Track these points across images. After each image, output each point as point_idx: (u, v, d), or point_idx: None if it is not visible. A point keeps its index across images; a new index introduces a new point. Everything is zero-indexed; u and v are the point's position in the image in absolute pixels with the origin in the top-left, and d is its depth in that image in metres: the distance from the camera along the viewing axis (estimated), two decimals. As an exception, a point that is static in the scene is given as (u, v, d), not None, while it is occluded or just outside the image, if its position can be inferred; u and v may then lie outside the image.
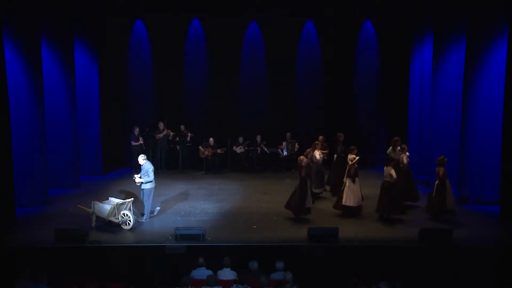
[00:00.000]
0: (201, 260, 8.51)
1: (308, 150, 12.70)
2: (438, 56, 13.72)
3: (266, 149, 16.68)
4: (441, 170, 10.99)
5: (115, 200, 10.99)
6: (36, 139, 12.24)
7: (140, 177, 11.17)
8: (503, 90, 11.32)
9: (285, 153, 16.44)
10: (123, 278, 8.92)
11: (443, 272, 9.33)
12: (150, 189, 11.21)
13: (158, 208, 11.76)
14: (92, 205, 10.83)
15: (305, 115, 17.35)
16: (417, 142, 15.41)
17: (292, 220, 11.23)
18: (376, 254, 9.64)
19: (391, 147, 12.67)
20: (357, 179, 11.54)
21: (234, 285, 7.85)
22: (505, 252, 9.50)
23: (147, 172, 11.12)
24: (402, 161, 12.06)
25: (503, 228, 10.82)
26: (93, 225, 10.71)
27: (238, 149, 16.57)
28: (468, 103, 12.37)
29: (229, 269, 8.41)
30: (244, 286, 7.81)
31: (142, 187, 11.19)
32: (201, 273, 8.31)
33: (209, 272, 8.26)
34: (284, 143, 16.40)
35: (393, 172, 11.05)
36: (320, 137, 13.94)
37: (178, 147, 16.29)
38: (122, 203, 10.82)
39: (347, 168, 11.68)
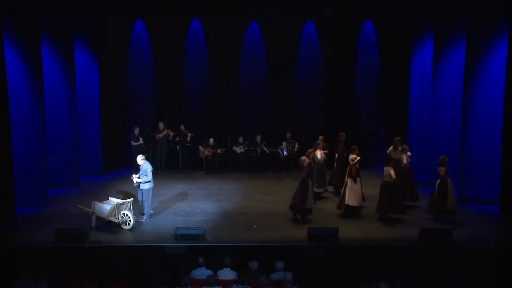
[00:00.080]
0: (201, 260, 8.51)
1: (309, 150, 12.70)
2: (438, 56, 13.72)
3: (266, 149, 16.68)
4: (442, 170, 10.99)
5: (115, 200, 10.99)
6: (36, 139, 12.24)
7: (138, 177, 11.16)
8: (503, 90, 11.31)
9: (285, 153, 16.45)
10: (123, 278, 8.92)
11: (443, 272, 9.33)
12: (149, 189, 11.21)
13: (151, 211, 11.68)
14: (92, 205, 10.83)
15: (305, 115, 17.35)
16: (417, 142, 15.41)
17: (292, 220, 11.23)
18: (376, 254, 9.64)
19: (391, 147, 12.66)
20: (358, 179, 11.54)
21: (234, 285, 7.85)
22: (505, 252, 9.50)
23: (145, 172, 11.12)
24: (402, 161, 12.06)
25: (503, 228, 10.82)
26: (93, 225, 10.71)
27: (238, 149, 16.57)
28: (468, 103, 12.37)
29: (229, 269, 8.41)
30: (244, 286, 7.81)
31: (140, 187, 11.19)
32: (201, 273, 8.31)
33: (209, 272, 8.26)
34: (284, 143, 16.41)
35: (392, 172, 11.06)
36: (320, 137, 13.93)
37: (178, 147, 16.29)
38: (122, 203, 10.83)
39: (348, 168, 11.69)
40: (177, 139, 16.26)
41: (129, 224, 10.65)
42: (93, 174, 15.57)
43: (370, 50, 17.06)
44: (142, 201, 11.29)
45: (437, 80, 13.80)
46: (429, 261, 9.46)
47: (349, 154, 11.90)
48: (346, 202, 11.41)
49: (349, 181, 11.49)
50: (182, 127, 16.48)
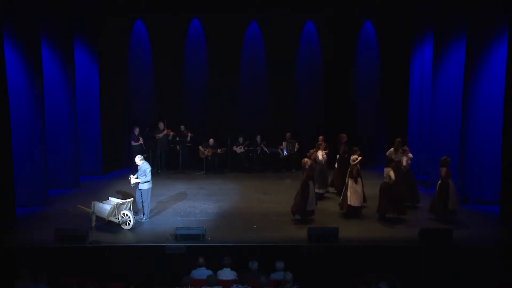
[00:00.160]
0: (201, 260, 8.51)
1: (311, 151, 12.73)
2: (438, 56, 13.72)
3: (266, 149, 16.68)
4: (443, 171, 10.99)
5: (115, 200, 10.99)
6: (36, 139, 12.24)
7: (137, 178, 11.14)
8: (503, 90, 11.31)
9: (285, 153, 16.45)
10: (123, 278, 8.92)
11: (443, 272, 9.33)
12: (148, 189, 11.20)
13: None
14: (92, 205, 10.83)
15: (305, 115, 17.34)
16: (417, 142, 15.41)
17: (292, 220, 11.23)
18: (376, 254, 9.64)
19: (392, 149, 12.64)
20: (359, 179, 11.54)
21: (234, 285, 7.85)
22: (505, 252, 9.50)
23: (144, 172, 11.11)
24: (402, 163, 12.05)
25: (503, 228, 10.81)
26: (93, 225, 10.71)
27: (238, 149, 16.57)
28: (468, 103, 12.37)
29: (229, 269, 8.41)
30: (244, 286, 7.81)
31: (139, 187, 11.16)
32: (201, 273, 8.31)
33: (209, 272, 8.26)
34: (284, 143, 16.41)
35: (392, 174, 11.06)
36: (320, 137, 13.94)
37: (178, 147, 16.29)
38: (122, 203, 10.83)
39: (349, 168, 11.69)
40: (177, 139, 16.26)
41: (129, 224, 10.65)
42: (93, 174, 15.56)
43: (370, 50, 17.05)
44: (141, 201, 11.28)
45: (437, 80, 13.80)
46: (429, 261, 9.46)
47: (350, 155, 11.90)
48: (348, 203, 11.41)
49: (350, 182, 11.49)
50: (182, 127, 16.48)
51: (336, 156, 13.69)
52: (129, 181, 11.22)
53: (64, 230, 9.96)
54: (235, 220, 11.40)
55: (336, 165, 13.57)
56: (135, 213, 11.28)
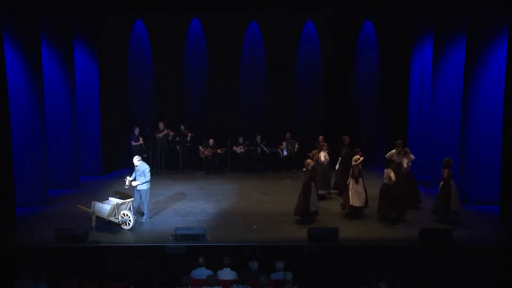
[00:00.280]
0: (201, 260, 8.51)
1: (313, 151, 12.73)
2: (438, 56, 13.72)
3: (266, 149, 16.68)
4: (445, 172, 10.98)
5: (115, 200, 10.99)
6: (36, 139, 12.24)
7: (135, 179, 11.10)
8: (503, 90, 11.31)
9: (285, 153, 16.45)
10: (123, 278, 8.92)
11: (443, 272, 9.33)
12: (147, 189, 11.19)
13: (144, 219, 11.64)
14: (92, 205, 10.83)
15: (305, 115, 17.34)
16: (417, 142, 15.40)
17: (292, 220, 11.21)
18: (376, 254, 9.63)
19: (394, 150, 12.62)
20: (360, 179, 11.53)
21: (234, 285, 7.85)
22: (505, 252, 9.50)
23: (143, 172, 11.09)
24: (403, 165, 12.05)
25: (503, 228, 10.81)
26: (93, 225, 10.71)
27: (238, 149, 16.57)
28: (468, 103, 12.37)
29: (229, 269, 8.41)
30: (244, 286, 7.81)
31: (138, 188, 11.14)
32: (201, 273, 8.31)
33: (209, 272, 8.26)
34: (284, 143, 16.41)
35: (392, 175, 11.04)
36: (320, 137, 13.94)
37: (178, 147, 16.29)
38: (122, 203, 10.83)
39: (351, 168, 11.69)
40: (177, 139, 16.26)
41: (129, 224, 10.65)
42: (93, 174, 15.56)
43: (370, 50, 17.05)
44: (141, 202, 11.27)
45: (437, 80, 13.80)
46: (429, 261, 9.46)
47: (352, 157, 11.90)
48: (350, 203, 11.41)
49: (351, 182, 11.49)
50: (182, 127, 16.48)
51: (337, 157, 13.67)
52: (125, 181, 11.19)
53: (64, 230, 9.96)
54: (235, 220, 11.40)
55: (337, 167, 13.54)
56: (139, 214, 11.28)
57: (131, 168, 14.78)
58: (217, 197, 13.24)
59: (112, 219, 10.65)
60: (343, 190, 12.51)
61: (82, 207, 11.13)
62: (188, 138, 16.35)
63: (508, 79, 11.03)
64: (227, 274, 8.33)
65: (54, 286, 8.18)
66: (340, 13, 16.45)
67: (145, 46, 16.91)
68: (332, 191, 13.47)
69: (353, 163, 11.68)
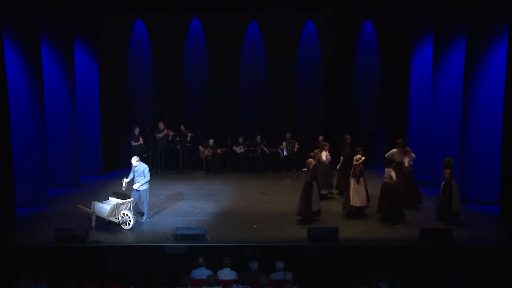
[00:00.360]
0: (201, 260, 8.51)
1: (315, 151, 12.73)
2: (438, 56, 13.71)
3: (266, 149, 16.68)
4: (447, 172, 10.97)
5: (115, 200, 10.98)
6: (36, 139, 12.23)
7: (133, 180, 11.06)
8: (503, 90, 11.31)
9: (285, 153, 16.45)
10: (123, 278, 8.92)
11: (443, 272, 9.33)
12: (146, 189, 11.18)
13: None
14: (92, 205, 10.83)
15: (305, 115, 17.34)
16: (417, 142, 15.40)
17: (292, 220, 11.22)
18: (376, 254, 9.63)
19: (395, 149, 12.62)
20: (361, 179, 11.53)
21: (234, 285, 7.85)
22: (505, 252, 9.50)
23: (143, 173, 11.07)
24: (404, 164, 12.04)
25: (503, 228, 10.81)
26: (93, 225, 10.71)
27: (238, 149, 16.57)
28: (468, 103, 12.37)
29: (229, 269, 8.41)
30: (244, 286, 7.81)
31: (138, 189, 11.12)
32: (201, 273, 8.31)
33: (209, 272, 8.26)
34: (284, 143, 16.41)
35: (393, 174, 11.03)
36: (320, 137, 13.94)
37: (178, 147, 16.29)
38: (122, 203, 10.82)
39: (352, 168, 11.69)
40: (177, 139, 16.26)
41: (129, 224, 10.64)
42: (93, 174, 15.56)
43: (370, 50, 17.05)
44: (141, 202, 11.27)
45: (437, 80, 13.80)
46: (429, 261, 9.46)
47: (353, 157, 11.89)
48: (351, 203, 11.40)
49: (352, 182, 11.49)
50: (182, 127, 16.48)
51: (337, 157, 13.65)
52: (121, 183, 11.16)
53: (64, 230, 9.96)
54: (235, 220, 11.39)
55: (339, 166, 13.52)
56: (139, 214, 11.28)
57: (131, 168, 14.85)
58: (217, 197, 13.23)
59: (112, 219, 10.65)
60: (344, 190, 12.51)
61: (82, 207, 11.13)
62: (188, 138, 16.35)
63: (508, 79, 11.03)
64: (227, 274, 8.33)
65: (54, 286, 8.18)
66: (340, 13, 16.45)
67: (145, 46, 16.91)
68: (334, 191, 13.46)
69: (354, 162, 11.67)
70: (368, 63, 17.16)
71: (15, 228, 10.79)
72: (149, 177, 11.15)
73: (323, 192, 12.73)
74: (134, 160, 11.15)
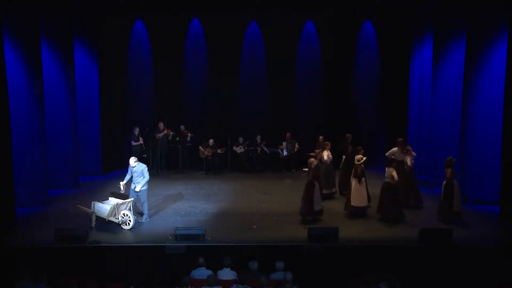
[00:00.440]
0: (201, 260, 8.51)
1: (317, 151, 12.73)
2: (438, 56, 13.71)
3: (266, 149, 16.68)
4: (448, 171, 10.96)
5: (115, 200, 10.98)
6: (36, 139, 12.23)
7: (132, 180, 11.04)
8: (503, 90, 11.31)
9: (285, 153, 16.46)
10: (123, 278, 8.92)
11: (443, 272, 9.33)
12: (146, 189, 11.18)
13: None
14: (92, 205, 10.83)
15: (305, 115, 17.34)
16: (417, 142, 15.40)
17: (292, 220, 11.21)
18: (376, 254, 9.63)
19: (395, 148, 12.62)
20: (363, 179, 11.52)
21: (234, 285, 7.85)
22: (505, 252, 9.50)
23: (142, 173, 11.05)
24: (406, 163, 12.03)
25: (503, 228, 10.80)
26: (93, 225, 10.71)
27: (238, 149, 16.57)
28: (468, 103, 12.37)
29: (229, 269, 8.41)
30: (244, 286, 7.81)
31: (139, 190, 11.11)
32: (201, 273, 8.31)
33: (209, 272, 8.26)
34: (284, 143, 16.42)
35: (395, 174, 11.01)
36: (320, 137, 13.94)
37: (179, 146, 16.29)
38: (122, 203, 10.82)
39: (354, 168, 11.68)
40: (177, 139, 16.26)
41: (129, 224, 10.64)
42: (93, 174, 15.56)
43: (370, 50, 17.04)
44: (140, 202, 11.26)
45: (437, 80, 13.80)
46: (429, 261, 9.46)
47: (355, 155, 11.89)
48: (352, 204, 11.40)
49: (353, 182, 11.48)
50: (182, 127, 16.48)
51: (338, 156, 13.63)
52: (119, 187, 11.13)
53: (64, 230, 9.96)
54: (235, 220, 11.39)
55: (341, 165, 13.48)
56: (139, 214, 11.28)
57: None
58: (217, 197, 13.23)
59: (112, 219, 10.65)
60: (345, 190, 12.50)
61: (82, 207, 11.13)
62: (188, 138, 16.35)
63: (508, 79, 11.03)
64: (227, 274, 8.33)
65: (54, 286, 8.18)
66: (340, 13, 16.45)
67: (145, 46, 16.91)
68: (337, 190, 13.44)
69: (355, 162, 11.67)
70: (368, 63, 17.15)
71: (15, 228, 10.79)
72: (148, 177, 11.14)
73: (325, 191, 12.71)
74: (132, 161, 11.09)
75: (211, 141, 16.16)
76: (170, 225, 10.62)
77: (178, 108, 17.11)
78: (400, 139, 12.80)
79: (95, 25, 15.39)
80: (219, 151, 16.24)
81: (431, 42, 14.33)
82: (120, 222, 10.65)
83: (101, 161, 15.80)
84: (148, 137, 15.91)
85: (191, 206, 12.43)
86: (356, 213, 11.42)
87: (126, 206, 10.83)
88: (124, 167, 16.09)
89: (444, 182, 11.07)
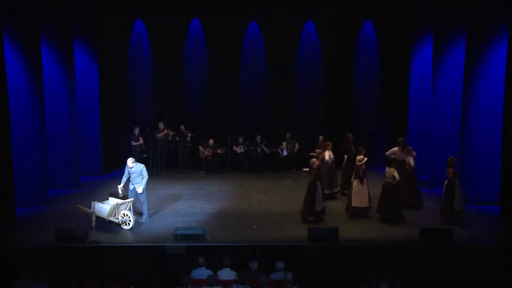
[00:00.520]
0: (201, 260, 8.51)
1: (318, 151, 12.71)
2: (438, 56, 13.72)
3: (266, 149, 16.68)
4: (450, 171, 10.96)
5: (115, 200, 10.98)
6: (36, 139, 12.23)
7: (130, 181, 11.03)
8: (503, 90, 11.31)
9: (285, 153, 16.46)
10: (123, 278, 8.92)
11: (443, 272, 9.33)
12: (144, 189, 11.17)
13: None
14: (92, 205, 10.83)
15: (305, 115, 17.35)
16: (417, 142, 15.40)
17: (292, 220, 11.21)
18: (376, 254, 9.63)
19: (396, 148, 12.61)
20: (365, 179, 11.51)
21: (234, 285, 7.85)
22: (505, 252, 9.50)
23: (141, 173, 11.04)
24: (409, 163, 12.02)
25: (503, 228, 10.81)
26: (93, 225, 10.71)
27: (238, 149, 16.57)
28: (468, 103, 12.37)
29: (229, 269, 8.41)
30: (244, 286, 7.81)
31: (141, 191, 11.10)
32: (201, 273, 8.31)
33: (209, 272, 8.26)
34: (284, 143, 16.42)
35: (396, 174, 11.00)
36: (320, 137, 13.93)
37: (179, 146, 16.29)
38: (122, 203, 10.82)
39: (355, 169, 11.67)
40: (177, 139, 16.26)
41: (129, 224, 10.64)
42: (93, 174, 15.56)
43: (370, 50, 17.05)
44: (139, 202, 11.26)
45: (437, 80, 13.80)
46: (429, 261, 9.46)
47: (357, 155, 11.88)
48: (353, 205, 11.40)
49: (355, 182, 11.47)
50: (182, 127, 16.48)
51: (340, 156, 13.62)
52: (117, 191, 11.11)
53: (64, 230, 9.95)
54: (235, 220, 11.39)
55: (344, 165, 13.45)
56: (139, 214, 11.27)
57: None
58: (217, 197, 13.23)
59: (112, 219, 10.65)
60: (347, 190, 12.47)
61: (82, 207, 11.13)
62: (188, 138, 16.35)
63: (508, 79, 11.03)
64: (227, 274, 8.33)
65: (54, 286, 8.18)
66: (340, 13, 16.45)
67: (145, 46, 16.92)
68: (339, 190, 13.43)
69: (357, 163, 11.66)
70: (368, 63, 17.16)
71: (15, 228, 10.79)
72: (147, 176, 11.13)
73: (326, 192, 12.71)
74: (130, 162, 11.04)
75: (211, 141, 16.16)
76: (170, 225, 10.62)
77: (178, 108, 17.11)
78: (400, 138, 12.81)
79: (95, 25, 15.39)
80: (219, 151, 16.24)
81: (431, 42, 14.34)
82: (120, 222, 10.65)
83: (101, 161, 15.80)
84: (148, 137, 15.91)
85: (191, 206, 12.43)
86: (357, 214, 11.41)
87: (126, 206, 10.83)
88: (124, 167, 16.14)
89: (446, 182, 11.07)
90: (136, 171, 11.03)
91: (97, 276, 8.86)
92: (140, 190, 11.01)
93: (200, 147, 16.17)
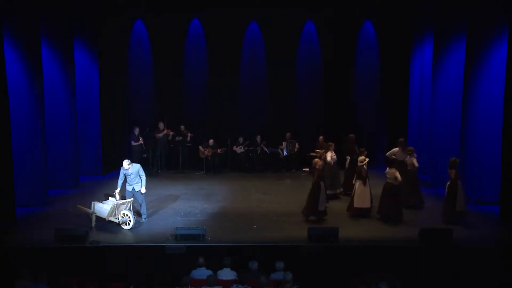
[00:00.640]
0: (201, 260, 8.51)
1: (320, 151, 12.71)
2: (438, 56, 13.72)
3: (266, 149, 16.68)
4: (452, 172, 10.95)
5: (115, 200, 10.98)
6: (36, 139, 12.23)
7: (126, 182, 11.01)
8: (503, 90, 11.31)
9: (285, 153, 16.46)
10: (123, 278, 8.92)
11: (443, 272, 9.33)
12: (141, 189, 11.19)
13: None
14: (92, 205, 10.83)
15: (305, 115, 17.35)
16: (417, 142, 15.40)
17: (292, 220, 11.21)
18: (376, 254, 9.63)
19: (397, 148, 12.60)
20: (367, 180, 11.50)
21: (234, 285, 7.85)
22: (505, 252, 9.50)
23: (138, 173, 11.03)
24: (414, 164, 12.00)
25: (503, 228, 10.81)
26: (93, 225, 10.71)
27: (238, 149, 16.57)
28: (468, 103, 12.37)
29: (229, 269, 8.41)
30: (244, 286, 7.81)
31: (136, 190, 11.08)
32: (201, 273, 8.31)
33: (209, 272, 8.26)
34: (284, 143, 16.42)
35: (398, 175, 10.99)
36: (320, 137, 13.92)
37: (179, 146, 16.29)
38: (122, 203, 10.82)
39: (357, 170, 11.66)
40: (177, 139, 16.26)
41: (129, 224, 10.64)
42: (93, 174, 15.56)
43: (370, 50, 17.06)
44: (138, 202, 11.26)
45: (437, 80, 13.80)
46: (429, 261, 9.46)
47: (359, 156, 11.88)
48: (354, 205, 11.39)
49: (358, 183, 11.46)
50: (182, 127, 16.48)
51: (342, 157, 13.61)
52: (115, 196, 11.08)
53: (64, 230, 9.95)
54: (235, 220, 11.39)
55: (347, 166, 13.43)
56: (138, 214, 11.28)
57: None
58: (217, 197, 13.23)
59: (112, 219, 10.65)
60: (349, 190, 12.46)
61: (82, 207, 11.13)
62: (188, 138, 16.35)
63: (508, 79, 11.03)
64: (227, 274, 8.33)
65: (54, 286, 8.18)
66: (340, 13, 16.46)
67: (145, 46, 16.92)
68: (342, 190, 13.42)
69: (358, 163, 11.65)
70: (368, 63, 17.16)
71: (15, 228, 10.78)
72: (144, 174, 11.12)
73: (329, 192, 12.68)
74: (126, 163, 10.92)
75: (211, 141, 16.17)
76: (170, 225, 10.62)
77: (178, 108, 17.12)
78: (401, 139, 12.81)
79: (95, 25, 15.39)
80: (219, 151, 16.24)
81: (431, 42, 14.34)
82: (120, 222, 10.65)
83: (101, 161, 15.80)
84: (148, 137, 15.91)
85: (191, 206, 12.43)
86: (359, 215, 11.40)
87: (126, 206, 10.83)
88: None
89: (448, 183, 11.06)
90: (133, 172, 11.00)
91: (97, 276, 8.86)
92: (143, 190, 11.01)
93: (200, 147, 16.17)
